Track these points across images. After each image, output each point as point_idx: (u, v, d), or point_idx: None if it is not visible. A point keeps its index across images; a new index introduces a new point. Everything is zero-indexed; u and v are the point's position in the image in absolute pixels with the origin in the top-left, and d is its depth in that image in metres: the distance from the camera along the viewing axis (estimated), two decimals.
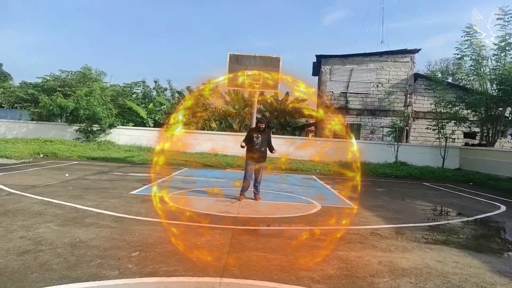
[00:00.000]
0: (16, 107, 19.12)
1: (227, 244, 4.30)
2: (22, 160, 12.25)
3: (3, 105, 19.63)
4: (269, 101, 22.58)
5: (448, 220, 7.13)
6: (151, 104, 22.19)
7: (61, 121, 19.70)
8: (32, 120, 19.26)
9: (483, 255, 4.51)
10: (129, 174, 10.47)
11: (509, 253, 5.08)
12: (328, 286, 3.24)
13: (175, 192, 7.70)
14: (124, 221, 5.11)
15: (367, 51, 20.77)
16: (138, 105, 21.38)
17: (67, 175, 9.37)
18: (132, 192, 7.41)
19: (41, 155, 14.00)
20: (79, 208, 5.72)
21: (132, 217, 5.36)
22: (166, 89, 24.25)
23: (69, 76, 21.13)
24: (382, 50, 21.56)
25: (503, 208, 8.35)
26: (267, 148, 7.37)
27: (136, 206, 6.09)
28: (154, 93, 23.92)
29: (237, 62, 11.85)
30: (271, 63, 11.76)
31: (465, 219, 7.05)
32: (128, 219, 5.24)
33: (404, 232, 5.50)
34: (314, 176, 12.91)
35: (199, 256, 3.79)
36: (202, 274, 3.32)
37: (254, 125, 8.18)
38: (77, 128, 18.15)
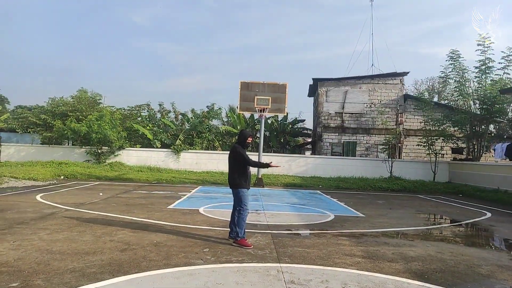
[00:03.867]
0: (28, 132, 20.13)
1: (271, 243, 5.40)
2: (48, 182, 13.16)
3: (17, 130, 20.69)
4: (269, 121, 23.89)
5: (442, 224, 8.34)
6: (150, 124, 23.10)
7: (68, 144, 20.72)
8: (43, 143, 20.21)
9: (472, 248, 5.71)
10: (153, 192, 11.48)
11: (492, 246, 6.29)
12: (358, 267, 4.37)
13: (205, 206, 8.76)
14: (179, 228, 6.17)
15: (360, 75, 22.43)
16: (144, 127, 22.47)
17: (101, 194, 10.35)
18: (169, 207, 8.46)
19: (62, 177, 14.91)
20: (135, 219, 6.76)
21: (183, 225, 6.43)
22: (169, 112, 25.44)
23: (76, 101, 22.19)
24: (374, 74, 23.24)
25: (488, 214, 9.61)
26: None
27: (181, 218, 7.15)
28: (159, 115, 25.10)
29: (247, 88, 13.17)
30: (278, 89, 13.12)
31: (457, 223, 8.26)
32: (181, 227, 6.30)
33: (407, 233, 6.67)
34: (318, 191, 14.06)
35: (254, 251, 4.88)
36: (264, 262, 4.42)
37: (239, 144, 5.72)
38: (87, 150, 19.13)
